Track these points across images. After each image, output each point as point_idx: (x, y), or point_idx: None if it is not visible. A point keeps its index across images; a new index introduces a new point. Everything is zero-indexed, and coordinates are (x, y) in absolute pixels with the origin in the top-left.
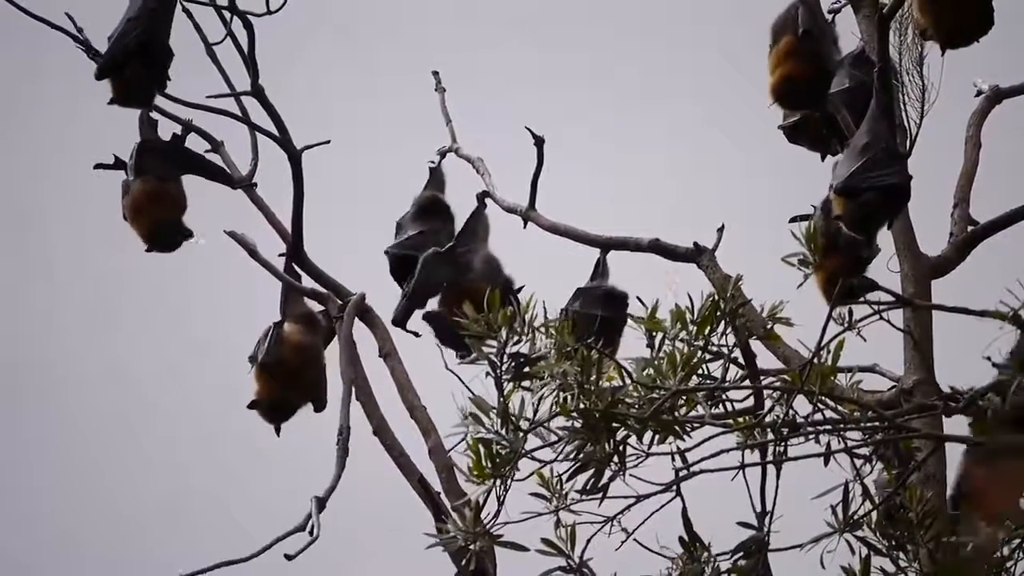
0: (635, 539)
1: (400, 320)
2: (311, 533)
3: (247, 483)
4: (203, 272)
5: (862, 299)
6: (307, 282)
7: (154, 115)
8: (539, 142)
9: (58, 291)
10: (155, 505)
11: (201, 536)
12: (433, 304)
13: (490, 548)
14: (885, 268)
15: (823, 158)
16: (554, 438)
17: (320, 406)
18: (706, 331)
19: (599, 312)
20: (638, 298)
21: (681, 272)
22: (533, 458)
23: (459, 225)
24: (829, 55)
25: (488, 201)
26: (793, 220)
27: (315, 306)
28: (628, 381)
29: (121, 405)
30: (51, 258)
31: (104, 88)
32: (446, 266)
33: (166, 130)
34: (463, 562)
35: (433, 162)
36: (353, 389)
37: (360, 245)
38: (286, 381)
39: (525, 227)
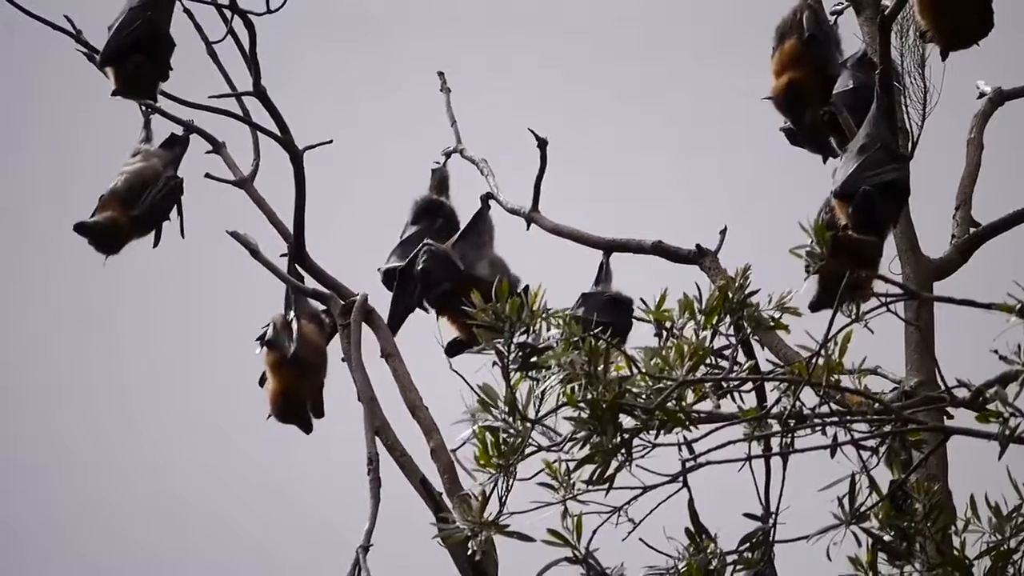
0: (641, 530)
1: (395, 326)
2: None
3: (245, 486)
4: (203, 272)
5: (870, 292)
6: (309, 282)
7: (154, 116)
8: (542, 144)
9: (55, 291)
10: (145, 507)
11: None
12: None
13: (491, 547)
14: (887, 270)
15: (824, 160)
16: (561, 429)
17: (319, 413)
18: (714, 321)
19: (604, 319)
20: (642, 299)
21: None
22: (540, 448)
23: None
24: (832, 59)
25: (492, 203)
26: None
27: (318, 306)
28: (635, 371)
29: (118, 406)
30: (48, 257)
31: (102, 85)
32: (443, 264)
33: (167, 130)
34: (467, 552)
35: (438, 163)
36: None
37: (362, 245)
38: (306, 379)
39: (528, 229)
